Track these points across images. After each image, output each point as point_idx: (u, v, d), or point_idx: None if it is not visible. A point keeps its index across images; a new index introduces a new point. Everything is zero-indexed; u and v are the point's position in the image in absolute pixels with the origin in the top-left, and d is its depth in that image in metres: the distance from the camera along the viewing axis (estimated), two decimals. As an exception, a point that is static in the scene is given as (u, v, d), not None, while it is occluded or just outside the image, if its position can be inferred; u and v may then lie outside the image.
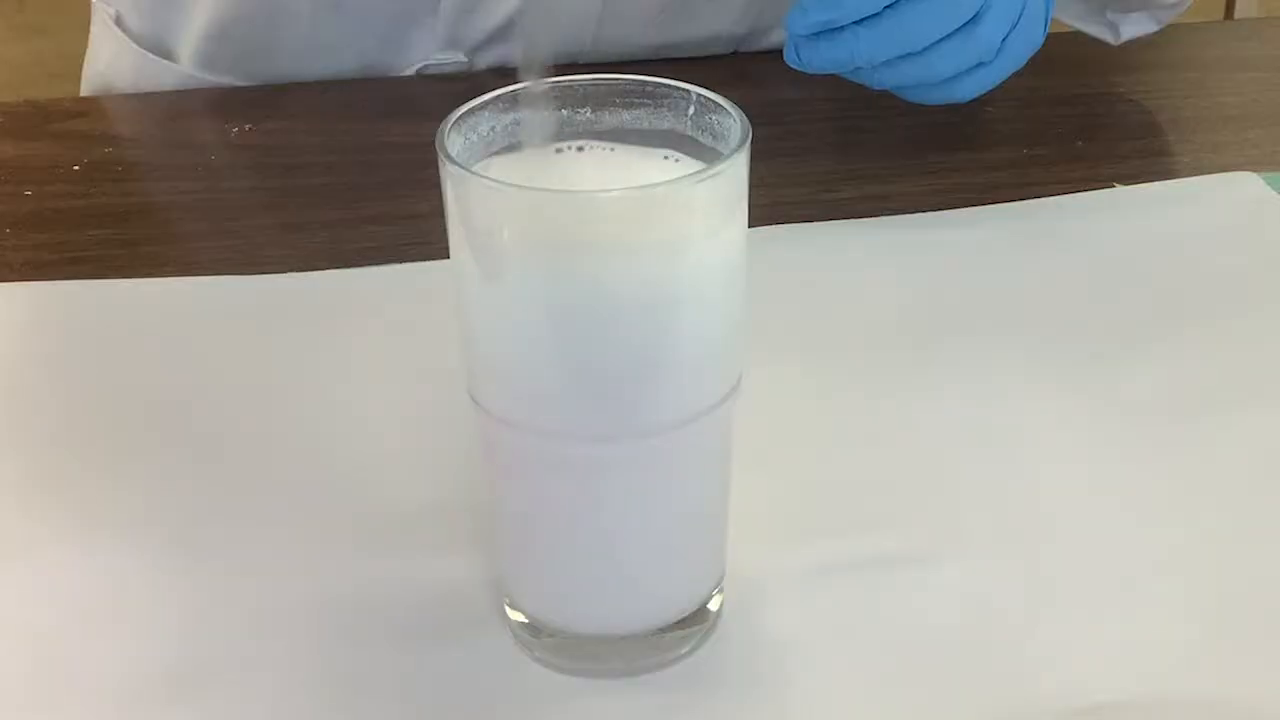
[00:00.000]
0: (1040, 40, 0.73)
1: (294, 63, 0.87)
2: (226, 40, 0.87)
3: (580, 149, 0.45)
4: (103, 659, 0.48)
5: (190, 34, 0.88)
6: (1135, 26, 0.87)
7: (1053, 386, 0.60)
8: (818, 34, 0.69)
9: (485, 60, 0.87)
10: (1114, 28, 0.87)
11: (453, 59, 0.87)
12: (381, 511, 0.54)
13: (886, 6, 0.67)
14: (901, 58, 0.69)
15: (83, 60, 0.97)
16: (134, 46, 0.91)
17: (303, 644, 0.48)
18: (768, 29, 0.90)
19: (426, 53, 0.87)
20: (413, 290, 0.66)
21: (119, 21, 0.92)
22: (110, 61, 0.92)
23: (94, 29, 0.95)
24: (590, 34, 0.86)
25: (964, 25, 0.68)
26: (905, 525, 0.53)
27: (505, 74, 0.45)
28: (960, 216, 0.72)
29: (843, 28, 0.68)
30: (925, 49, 0.69)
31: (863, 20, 0.68)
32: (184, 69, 0.89)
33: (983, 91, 0.72)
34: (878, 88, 0.72)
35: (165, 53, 0.90)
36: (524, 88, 0.44)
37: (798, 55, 0.70)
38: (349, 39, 0.86)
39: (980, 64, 0.71)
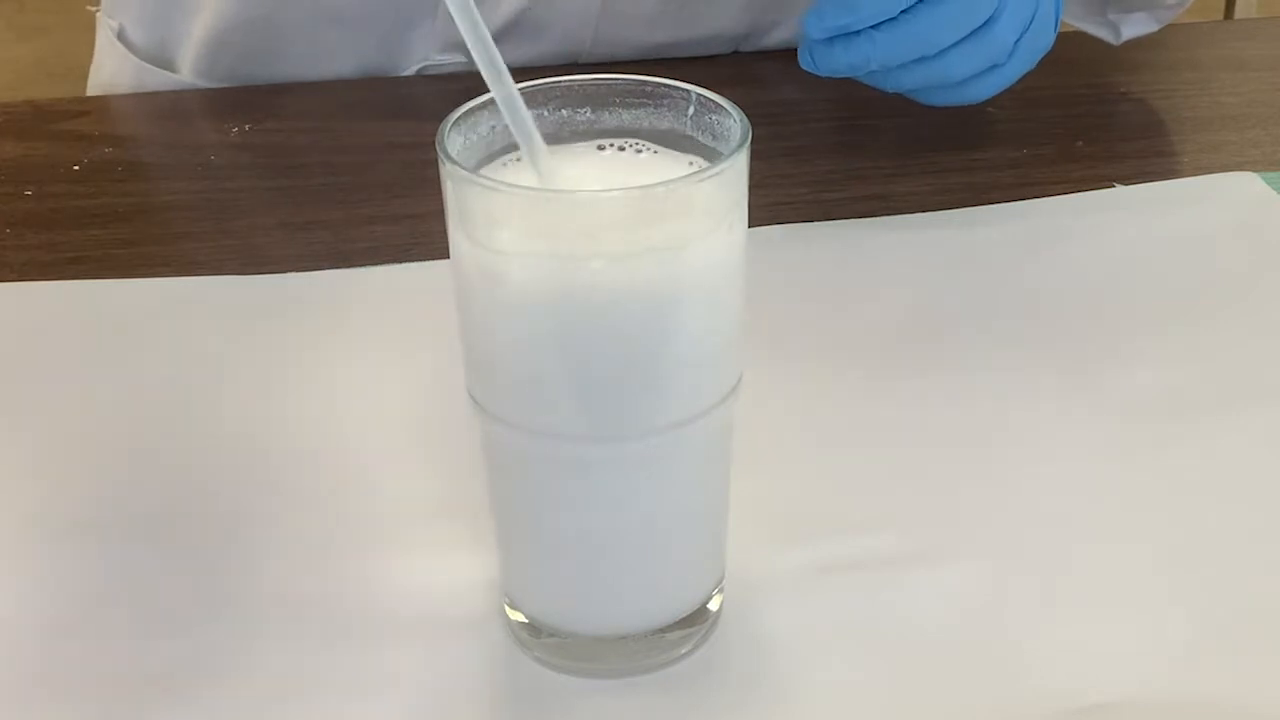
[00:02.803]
0: (1051, 41, 0.73)
1: (292, 70, 0.87)
2: (225, 50, 0.88)
3: (621, 148, 0.46)
4: (102, 658, 0.48)
5: (190, 44, 0.89)
6: (1136, 26, 0.87)
7: (1052, 386, 0.60)
8: (833, 38, 0.69)
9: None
10: (1115, 28, 0.87)
11: (452, 60, 0.87)
12: (381, 511, 0.54)
13: (902, 11, 0.67)
14: (916, 61, 0.69)
15: (82, 60, 0.97)
16: (135, 60, 0.91)
17: (302, 643, 0.48)
18: (767, 28, 0.90)
19: (425, 55, 0.87)
20: (413, 290, 0.66)
21: (121, 35, 0.92)
22: (113, 74, 0.93)
23: (98, 42, 0.96)
24: (590, 34, 0.86)
25: (979, 28, 0.69)
26: (905, 525, 0.53)
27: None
28: (960, 216, 0.72)
29: (858, 32, 0.68)
30: (940, 52, 0.69)
31: (878, 24, 0.68)
32: (184, 79, 0.90)
33: (995, 93, 0.72)
34: (892, 90, 0.72)
35: (166, 65, 0.91)
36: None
37: (813, 59, 0.70)
38: (347, 46, 0.86)
39: (994, 66, 0.71)
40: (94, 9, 0.95)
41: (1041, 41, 0.72)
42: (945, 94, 0.72)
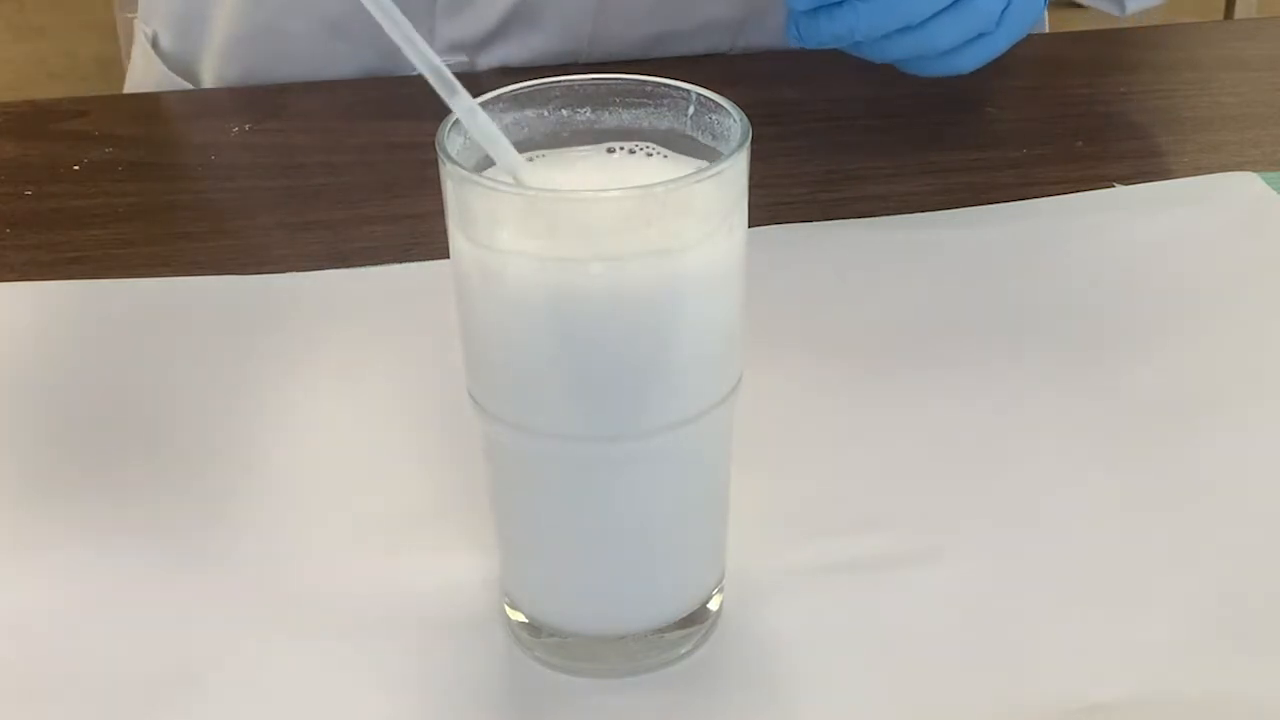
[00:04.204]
0: (1041, 10, 0.73)
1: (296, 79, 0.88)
2: (235, 60, 0.88)
3: (631, 151, 0.46)
4: (102, 659, 0.48)
5: (209, 54, 0.89)
6: None
7: (1052, 386, 0.60)
8: (817, 9, 0.69)
9: (486, 61, 0.87)
10: (1119, 1, 0.87)
11: (453, 60, 0.87)
12: (381, 511, 0.54)
13: None
14: (900, 31, 0.69)
15: (81, 59, 0.98)
16: (161, 67, 0.92)
17: (302, 644, 0.48)
18: (763, 12, 0.90)
19: None
20: (413, 290, 0.66)
21: (155, 43, 0.93)
22: (140, 80, 0.94)
23: (135, 46, 0.97)
24: (588, 30, 0.85)
25: None
26: (905, 525, 0.53)
27: (506, 74, 0.45)
28: (960, 216, 0.72)
29: (841, 2, 0.68)
30: (924, 21, 0.69)
31: None
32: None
33: (984, 62, 0.72)
34: (879, 61, 0.72)
35: (190, 74, 0.91)
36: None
37: (798, 31, 0.70)
38: (348, 54, 0.87)
39: (981, 35, 0.71)
40: (131, 15, 0.96)
41: (1030, 11, 0.72)
42: (933, 64, 0.72)
